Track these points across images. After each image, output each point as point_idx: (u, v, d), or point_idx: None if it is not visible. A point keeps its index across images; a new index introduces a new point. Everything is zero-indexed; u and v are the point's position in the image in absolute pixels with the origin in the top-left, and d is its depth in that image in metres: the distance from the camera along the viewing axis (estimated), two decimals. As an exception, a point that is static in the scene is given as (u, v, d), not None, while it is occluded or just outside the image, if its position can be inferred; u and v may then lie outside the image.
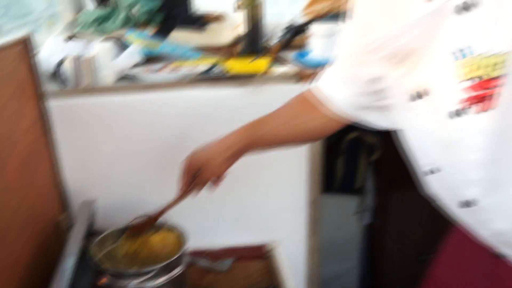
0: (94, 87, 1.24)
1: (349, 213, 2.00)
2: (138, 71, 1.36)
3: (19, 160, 1.00)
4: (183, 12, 1.56)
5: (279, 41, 1.62)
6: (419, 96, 0.73)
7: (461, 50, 0.64)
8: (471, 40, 0.63)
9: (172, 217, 1.08)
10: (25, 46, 1.09)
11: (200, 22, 1.55)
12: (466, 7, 0.62)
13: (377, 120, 0.93)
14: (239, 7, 1.46)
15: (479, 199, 0.71)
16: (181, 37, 1.52)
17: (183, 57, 1.45)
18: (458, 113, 0.67)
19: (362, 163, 1.96)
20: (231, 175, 1.28)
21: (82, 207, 1.17)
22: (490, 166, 0.67)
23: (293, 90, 1.07)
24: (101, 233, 1.08)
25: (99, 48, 1.30)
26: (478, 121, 0.65)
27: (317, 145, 1.33)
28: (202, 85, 1.27)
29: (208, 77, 1.31)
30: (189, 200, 1.06)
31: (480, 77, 0.63)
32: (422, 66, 0.71)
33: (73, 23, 1.62)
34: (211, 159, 1.02)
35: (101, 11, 1.55)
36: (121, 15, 1.48)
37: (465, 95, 0.65)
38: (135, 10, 1.44)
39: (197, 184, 1.06)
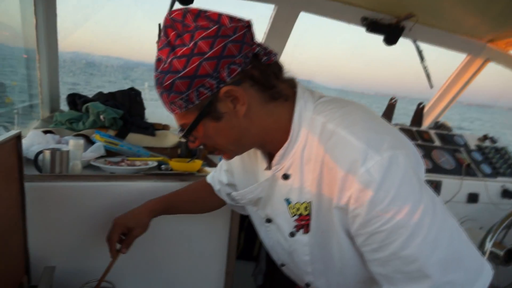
0: (65, 174, 1.24)
1: (247, 275, 2.05)
2: (101, 163, 1.37)
3: (-1, 233, 0.97)
4: (138, 120, 1.62)
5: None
6: (268, 221, 0.91)
7: (287, 200, 0.83)
8: (291, 194, 0.82)
9: (117, 284, 1.07)
10: (17, 140, 1.09)
11: (151, 129, 1.61)
12: (285, 177, 0.82)
13: (241, 211, 1.15)
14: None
15: (313, 282, 0.89)
16: (135, 139, 1.55)
17: (136, 155, 1.49)
18: (293, 234, 0.84)
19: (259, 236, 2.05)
20: (165, 248, 1.31)
21: (44, 272, 1.12)
22: (315, 263, 0.85)
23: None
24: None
25: (72, 143, 1.31)
26: (304, 238, 0.83)
27: (236, 230, 1.38)
28: (151, 178, 1.30)
29: (156, 173, 1.34)
30: (131, 269, 1.03)
31: (300, 214, 0.81)
32: (267, 206, 0.89)
33: (48, 120, 1.61)
34: (140, 220, 1.05)
35: (73, 113, 1.56)
36: (90, 119, 1.50)
37: (296, 223, 0.83)
38: (103, 116, 1.48)
39: (127, 242, 1.05)
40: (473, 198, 2.04)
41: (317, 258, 0.83)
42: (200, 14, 0.70)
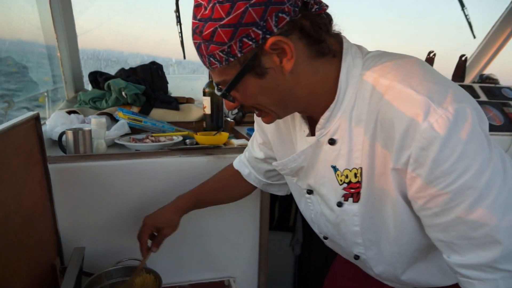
0: (89, 154, 1.19)
1: (285, 246, 2.00)
2: (125, 140, 1.33)
3: (24, 216, 0.92)
4: (161, 95, 1.54)
5: (234, 118, 1.64)
6: (309, 192, 0.84)
7: (334, 167, 0.74)
8: (338, 160, 0.73)
9: (150, 259, 1.02)
10: (35, 121, 1.03)
11: (174, 103, 1.54)
12: (331, 142, 0.73)
13: (277, 192, 1.07)
14: (205, 93, 1.47)
15: (363, 253, 0.81)
16: (159, 114, 1.50)
17: (161, 131, 1.43)
18: (340, 203, 0.76)
19: (294, 207, 1.98)
20: (198, 224, 1.25)
21: (74, 253, 1.08)
22: (366, 233, 0.77)
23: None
24: (89, 275, 1.01)
25: (95, 122, 1.25)
26: (353, 207, 0.75)
27: (267, 202, 1.30)
28: (176, 153, 1.24)
29: (182, 147, 1.28)
30: (162, 246, 1.01)
31: (349, 182, 0.73)
32: (310, 175, 0.81)
33: (73, 100, 1.56)
34: (170, 220, 1.02)
35: (96, 92, 1.50)
36: (113, 96, 1.44)
37: (344, 192, 0.75)
38: (124, 93, 1.41)
39: (158, 240, 1.02)
40: (525, 156, 1.81)
41: (368, 228, 0.76)
42: None
